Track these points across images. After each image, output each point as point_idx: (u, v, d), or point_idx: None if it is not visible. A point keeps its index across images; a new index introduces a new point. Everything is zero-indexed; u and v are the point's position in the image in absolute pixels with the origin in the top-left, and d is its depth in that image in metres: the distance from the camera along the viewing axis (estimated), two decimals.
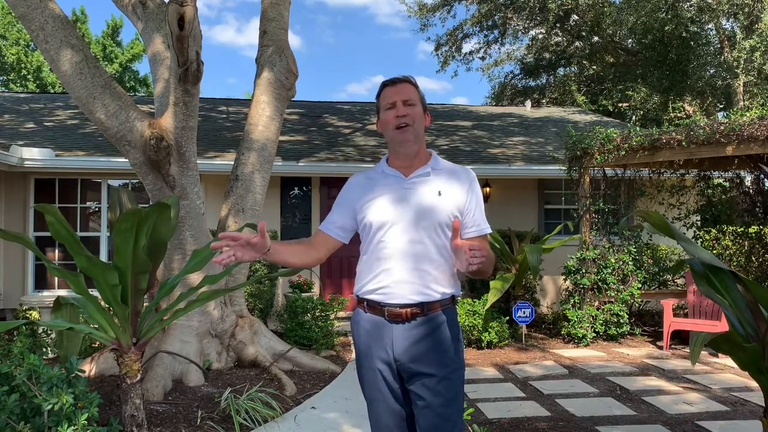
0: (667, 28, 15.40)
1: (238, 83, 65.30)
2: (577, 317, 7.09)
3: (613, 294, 7.22)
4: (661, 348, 6.87)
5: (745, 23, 15.06)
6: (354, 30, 62.85)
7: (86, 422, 3.07)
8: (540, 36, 19.21)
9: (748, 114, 6.41)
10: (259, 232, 1.96)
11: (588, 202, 7.59)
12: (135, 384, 3.54)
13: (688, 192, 8.89)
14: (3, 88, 23.36)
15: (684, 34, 15.71)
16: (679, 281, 8.18)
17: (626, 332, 7.30)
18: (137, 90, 26.13)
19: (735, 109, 10.02)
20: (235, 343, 5.62)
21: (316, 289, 8.69)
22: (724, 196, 8.85)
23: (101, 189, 8.54)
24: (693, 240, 5.49)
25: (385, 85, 2.18)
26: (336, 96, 70.99)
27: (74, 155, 8.10)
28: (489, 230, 2.19)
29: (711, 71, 16.50)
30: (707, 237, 7.54)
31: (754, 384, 4.98)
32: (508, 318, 7.01)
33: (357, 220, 2.18)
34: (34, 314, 7.21)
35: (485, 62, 20.26)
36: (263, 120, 6.05)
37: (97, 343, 5.28)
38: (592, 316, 7.13)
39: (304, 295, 7.53)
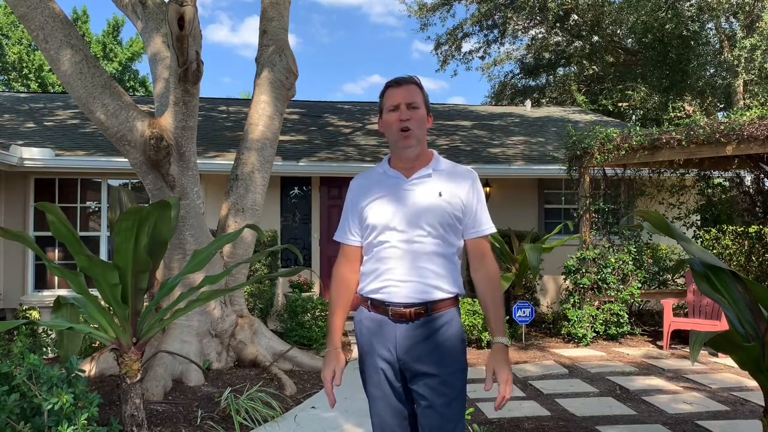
0: (667, 27, 15.39)
1: (233, 82, 65.34)
2: (577, 317, 7.09)
3: (613, 294, 7.22)
4: (661, 348, 6.87)
5: (745, 22, 15.06)
6: (349, 29, 62.93)
7: (86, 422, 3.07)
8: (540, 36, 19.22)
9: (748, 114, 6.41)
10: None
11: (588, 202, 7.59)
12: (135, 384, 3.54)
13: (688, 192, 8.89)
14: (4, 88, 23.36)
15: (684, 33, 15.70)
16: (679, 281, 8.18)
17: (626, 332, 7.30)
18: (137, 90, 26.11)
19: (735, 109, 10.01)
20: (235, 343, 5.62)
21: (316, 289, 8.69)
22: (724, 196, 8.85)
23: (101, 189, 8.53)
24: (693, 240, 5.49)
25: (389, 85, 2.16)
26: (332, 96, 71.08)
27: (74, 155, 8.10)
28: (491, 230, 2.16)
29: (711, 71, 16.49)
30: (707, 237, 7.54)
31: (753, 383, 4.98)
32: (508, 318, 7.01)
33: (361, 220, 2.18)
34: (34, 314, 7.21)
35: (485, 62, 20.29)
36: (263, 120, 6.05)
37: (97, 342, 5.28)
38: (592, 316, 7.12)
39: (304, 294, 7.53)
